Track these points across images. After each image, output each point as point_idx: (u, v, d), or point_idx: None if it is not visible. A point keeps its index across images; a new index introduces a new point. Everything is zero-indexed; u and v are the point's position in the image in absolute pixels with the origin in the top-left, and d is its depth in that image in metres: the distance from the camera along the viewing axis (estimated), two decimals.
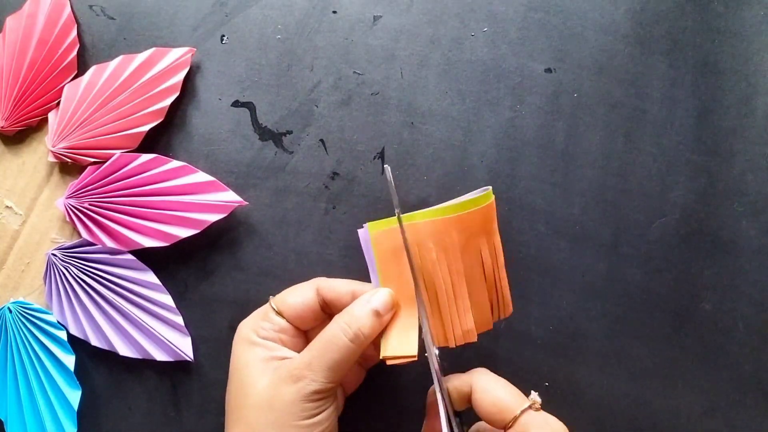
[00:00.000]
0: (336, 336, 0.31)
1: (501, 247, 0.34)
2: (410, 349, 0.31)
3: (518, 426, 0.30)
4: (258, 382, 0.32)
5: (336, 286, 0.34)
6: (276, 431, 0.30)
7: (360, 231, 0.33)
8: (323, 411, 0.31)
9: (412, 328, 0.32)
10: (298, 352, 0.33)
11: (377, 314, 0.31)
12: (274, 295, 0.36)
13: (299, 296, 0.35)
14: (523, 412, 0.30)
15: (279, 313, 0.34)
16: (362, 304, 0.32)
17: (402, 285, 0.32)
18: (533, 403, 0.30)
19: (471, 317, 0.32)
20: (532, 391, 0.31)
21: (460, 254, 0.32)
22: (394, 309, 0.32)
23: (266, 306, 0.35)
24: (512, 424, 0.30)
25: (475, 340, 0.33)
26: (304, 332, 0.36)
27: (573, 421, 0.40)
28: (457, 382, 0.32)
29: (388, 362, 0.31)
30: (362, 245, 0.33)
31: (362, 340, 0.31)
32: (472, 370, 0.32)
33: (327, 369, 0.31)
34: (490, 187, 0.34)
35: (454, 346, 0.32)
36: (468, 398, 0.32)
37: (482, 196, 0.33)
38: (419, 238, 0.32)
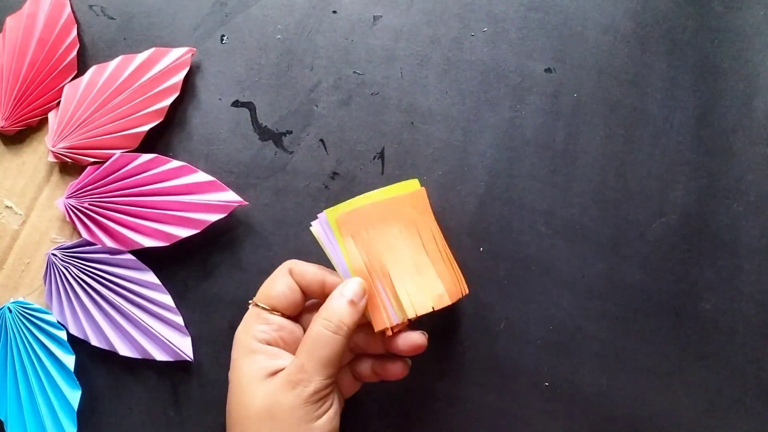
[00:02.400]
0: (320, 333, 0.32)
1: (440, 232, 0.37)
2: (397, 317, 0.33)
3: None
4: (257, 392, 0.31)
5: (306, 273, 0.35)
6: None
7: (315, 222, 0.35)
8: (325, 412, 0.31)
9: (393, 298, 0.34)
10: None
11: (353, 303, 0.32)
12: (251, 298, 0.35)
13: (281, 285, 0.35)
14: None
15: (272, 311, 0.34)
16: (337, 297, 0.33)
17: (371, 260, 0.34)
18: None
19: (440, 283, 0.34)
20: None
21: (417, 230, 0.35)
22: (365, 295, 0.33)
23: (256, 309, 0.35)
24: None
25: (450, 303, 0.34)
26: (299, 322, 0.36)
27: (573, 421, 0.40)
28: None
29: (386, 334, 0.34)
30: (321, 235, 0.35)
31: (345, 330, 0.32)
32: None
33: (320, 366, 0.31)
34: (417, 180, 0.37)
35: (432, 310, 0.34)
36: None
37: (408, 183, 0.36)
38: (374, 218, 0.34)
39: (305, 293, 0.35)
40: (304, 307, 0.36)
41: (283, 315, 0.35)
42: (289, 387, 0.31)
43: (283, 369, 0.32)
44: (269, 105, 0.42)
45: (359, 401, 0.39)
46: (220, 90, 0.42)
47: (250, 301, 0.35)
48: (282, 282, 0.35)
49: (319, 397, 0.31)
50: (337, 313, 0.32)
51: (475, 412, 0.40)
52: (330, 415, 0.32)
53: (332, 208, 0.34)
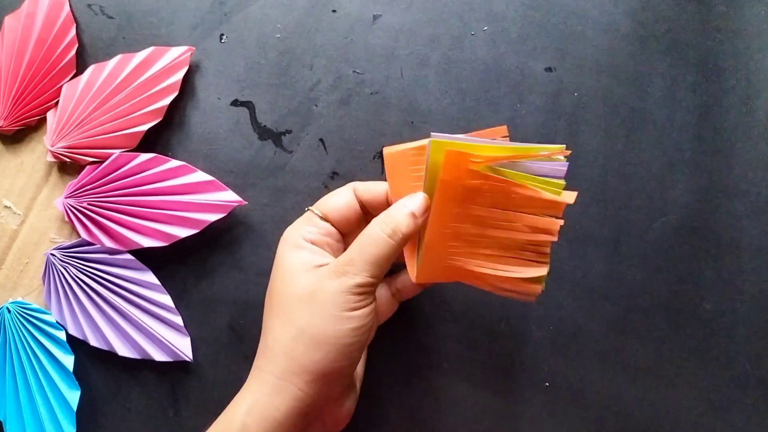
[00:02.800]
0: (375, 233, 0.32)
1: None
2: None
3: None
4: (301, 279, 0.32)
5: (372, 188, 0.36)
6: (317, 320, 0.31)
7: (437, 135, 0.32)
8: (364, 306, 0.32)
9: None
10: None
11: (413, 216, 0.32)
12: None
13: (340, 199, 0.36)
14: None
15: (324, 218, 0.35)
16: (400, 206, 0.33)
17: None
18: None
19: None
20: None
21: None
22: (427, 213, 0.33)
23: (309, 214, 0.36)
24: None
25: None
26: (345, 239, 0.36)
27: (573, 421, 0.40)
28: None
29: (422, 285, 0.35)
30: (428, 147, 0.33)
31: (400, 237, 0.32)
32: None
33: (368, 263, 0.32)
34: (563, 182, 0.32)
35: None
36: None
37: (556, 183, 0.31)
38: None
39: (367, 209, 0.36)
40: (353, 229, 0.37)
41: (334, 226, 0.36)
42: (335, 275, 0.32)
43: (324, 263, 0.33)
44: (268, 104, 0.42)
45: (359, 402, 0.39)
46: (219, 89, 0.42)
47: (308, 207, 0.36)
48: (343, 195, 0.36)
49: (361, 291, 0.32)
50: (395, 219, 0.32)
51: (475, 412, 0.40)
52: (366, 311, 0.32)
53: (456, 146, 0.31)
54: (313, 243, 0.34)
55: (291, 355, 0.31)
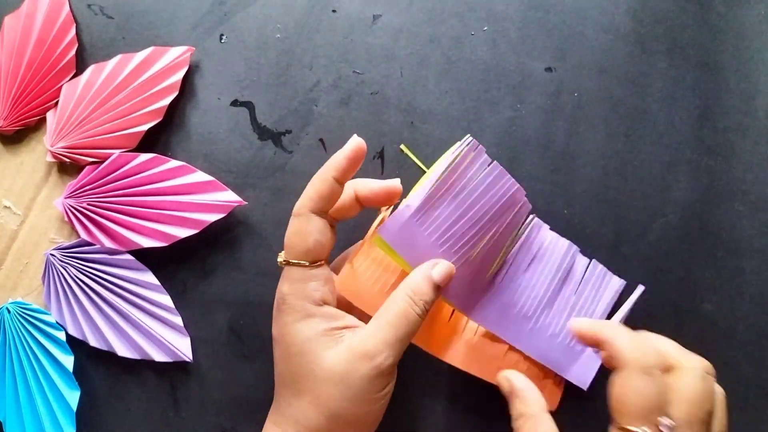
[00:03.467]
0: (408, 312, 0.31)
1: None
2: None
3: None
4: (325, 356, 0.31)
5: (369, 184, 0.35)
6: (351, 405, 0.30)
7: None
8: (391, 381, 0.32)
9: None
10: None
11: (438, 287, 0.32)
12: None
13: (313, 234, 0.33)
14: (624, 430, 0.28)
15: (314, 264, 0.33)
16: (424, 277, 0.32)
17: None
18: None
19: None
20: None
21: None
22: (450, 279, 0.33)
23: (299, 269, 0.33)
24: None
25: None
26: (349, 263, 0.35)
27: (574, 422, 0.40)
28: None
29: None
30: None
31: (426, 312, 0.32)
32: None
33: (400, 343, 0.31)
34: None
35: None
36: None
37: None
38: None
39: (370, 202, 0.36)
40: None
41: (320, 264, 0.33)
42: (368, 358, 0.30)
43: (341, 328, 0.32)
44: (268, 104, 0.42)
45: None
46: (219, 89, 0.42)
47: (283, 261, 0.33)
48: (312, 229, 0.33)
49: (392, 370, 0.31)
50: (425, 293, 0.32)
51: (476, 413, 0.40)
52: (393, 383, 0.32)
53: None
54: (322, 301, 0.32)
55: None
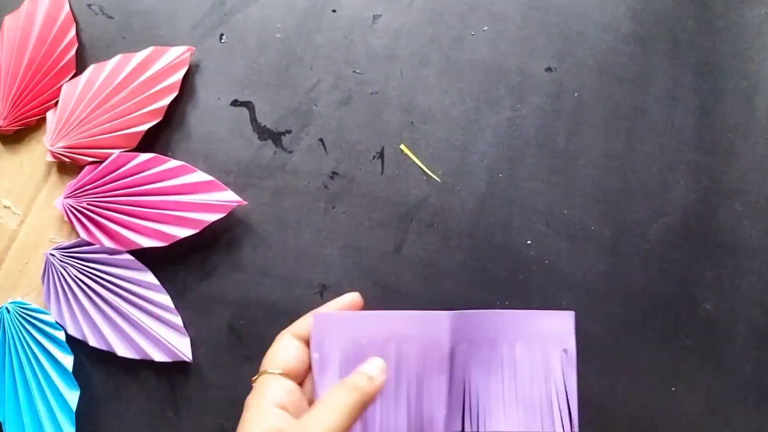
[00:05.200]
0: (343, 404, 0.30)
1: None
2: None
3: None
4: None
5: (307, 323, 0.34)
6: None
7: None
8: None
9: None
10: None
11: (372, 379, 0.32)
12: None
13: (290, 348, 0.34)
14: None
15: (285, 375, 0.33)
16: (358, 374, 0.32)
17: None
18: None
19: None
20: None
21: None
22: (384, 375, 0.32)
23: (267, 376, 0.33)
24: None
25: None
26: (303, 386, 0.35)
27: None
28: None
29: None
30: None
31: (366, 401, 0.31)
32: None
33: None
34: None
35: None
36: None
37: None
38: None
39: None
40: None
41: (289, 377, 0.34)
42: None
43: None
44: (268, 104, 0.42)
45: None
46: (219, 89, 0.42)
47: (269, 371, 0.33)
48: (289, 347, 0.34)
49: None
50: (357, 386, 0.31)
51: None
52: None
53: None
54: (280, 406, 0.32)
55: None
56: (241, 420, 0.32)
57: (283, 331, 0.35)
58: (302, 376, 0.34)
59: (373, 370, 0.32)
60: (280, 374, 0.33)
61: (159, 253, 0.39)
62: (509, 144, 0.42)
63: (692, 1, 0.43)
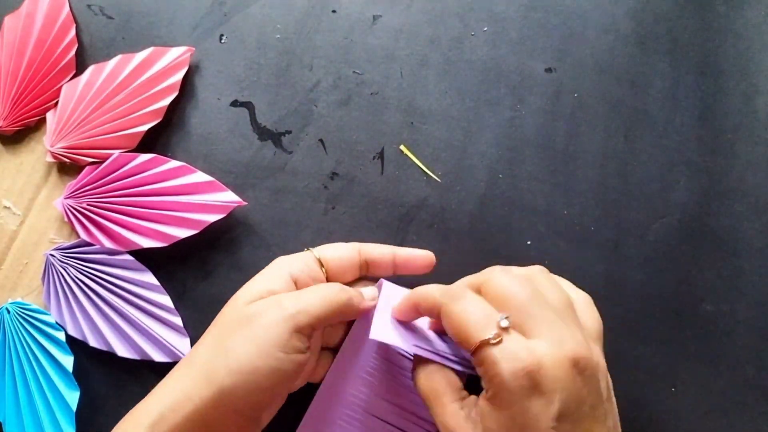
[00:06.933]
0: (333, 289, 0.32)
1: None
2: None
3: (475, 359, 0.28)
4: (250, 305, 0.32)
5: (377, 248, 0.36)
6: (248, 347, 0.30)
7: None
8: (296, 354, 0.30)
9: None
10: None
11: (360, 300, 0.33)
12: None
13: (343, 252, 0.35)
14: (475, 352, 0.27)
15: (321, 263, 0.35)
16: (369, 290, 0.35)
17: None
18: (489, 341, 0.27)
19: None
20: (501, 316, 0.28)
21: None
22: (374, 303, 0.34)
23: (307, 253, 0.35)
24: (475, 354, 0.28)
25: None
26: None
27: None
28: (426, 300, 0.31)
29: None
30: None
31: (351, 307, 0.33)
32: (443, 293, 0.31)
33: (320, 316, 0.31)
34: None
35: None
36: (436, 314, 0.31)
37: None
38: None
39: (377, 267, 0.36)
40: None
41: (328, 278, 0.35)
42: (281, 308, 0.31)
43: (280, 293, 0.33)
44: (268, 105, 0.42)
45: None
46: (219, 90, 0.42)
47: (309, 248, 0.36)
48: (346, 249, 0.35)
49: (298, 331, 0.30)
50: (353, 292, 0.33)
51: None
52: (295, 361, 0.30)
53: None
54: (294, 280, 0.33)
55: (213, 378, 0.29)
56: (263, 271, 0.34)
57: (353, 243, 0.36)
58: (343, 279, 0.35)
59: (367, 295, 0.34)
60: (319, 261, 0.35)
61: (159, 253, 0.39)
62: (509, 144, 0.42)
63: (692, 1, 0.43)
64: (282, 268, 0.34)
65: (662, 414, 0.40)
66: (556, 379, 0.26)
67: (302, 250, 0.40)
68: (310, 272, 0.34)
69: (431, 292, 0.30)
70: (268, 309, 0.31)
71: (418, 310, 0.32)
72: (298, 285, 0.34)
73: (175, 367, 0.32)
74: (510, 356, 0.26)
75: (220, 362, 0.30)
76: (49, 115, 0.41)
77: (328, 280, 0.35)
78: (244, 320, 0.31)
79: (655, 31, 0.42)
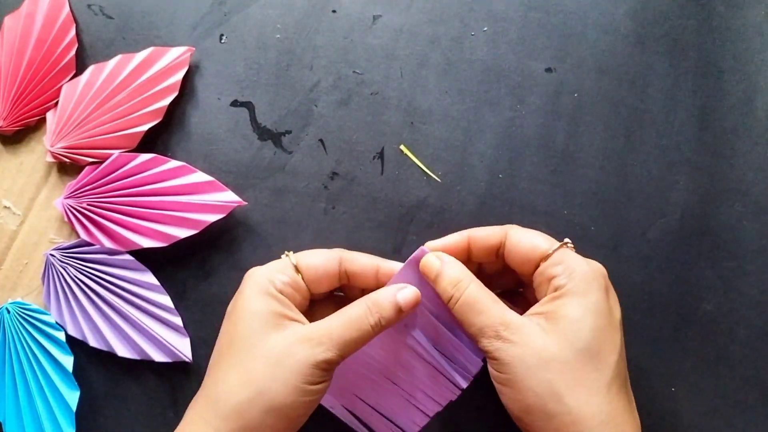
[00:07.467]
0: (361, 317, 0.32)
1: None
2: None
3: (552, 259, 0.32)
4: (269, 335, 0.31)
5: (360, 260, 0.35)
6: (280, 388, 0.30)
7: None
8: (324, 382, 0.31)
9: None
10: (305, 316, 0.34)
11: (399, 310, 0.33)
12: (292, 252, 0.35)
13: (321, 260, 0.35)
14: (557, 249, 0.32)
15: (297, 270, 0.34)
16: (390, 295, 0.33)
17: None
18: (566, 243, 0.33)
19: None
20: (566, 239, 0.33)
21: None
22: (414, 309, 0.34)
23: (285, 261, 0.35)
24: (546, 259, 0.32)
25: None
26: (311, 300, 0.35)
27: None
28: (484, 233, 0.34)
29: None
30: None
31: (381, 327, 0.32)
32: (504, 226, 0.35)
33: (344, 343, 0.31)
34: None
35: None
36: (493, 251, 0.34)
37: None
38: None
39: (358, 280, 0.35)
40: (321, 294, 0.36)
41: (304, 284, 0.35)
42: (309, 344, 0.31)
43: (292, 319, 0.32)
44: (268, 105, 0.42)
45: None
46: (219, 89, 0.42)
47: (287, 252, 0.35)
48: (323, 258, 0.35)
49: (327, 368, 0.31)
50: (383, 309, 0.32)
51: (476, 414, 0.40)
52: (324, 387, 0.31)
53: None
54: (282, 293, 0.33)
55: (243, 416, 0.30)
56: (244, 291, 0.34)
57: (336, 249, 0.36)
58: (316, 289, 0.35)
59: (406, 301, 0.33)
60: (297, 270, 0.34)
61: (159, 253, 0.39)
62: (509, 144, 0.42)
63: (692, 1, 0.43)
64: (266, 285, 0.33)
65: (662, 414, 0.40)
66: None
67: (303, 248, 0.40)
68: (291, 283, 0.34)
69: (489, 227, 0.35)
70: (299, 348, 0.31)
71: (468, 248, 0.34)
72: (283, 295, 0.34)
73: (197, 403, 0.32)
74: (587, 260, 0.32)
75: (256, 403, 0.30)
76: (49, 115, 0.41)
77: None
78: (272, 358, 0.30)
79: (654, 31, 0.42)
